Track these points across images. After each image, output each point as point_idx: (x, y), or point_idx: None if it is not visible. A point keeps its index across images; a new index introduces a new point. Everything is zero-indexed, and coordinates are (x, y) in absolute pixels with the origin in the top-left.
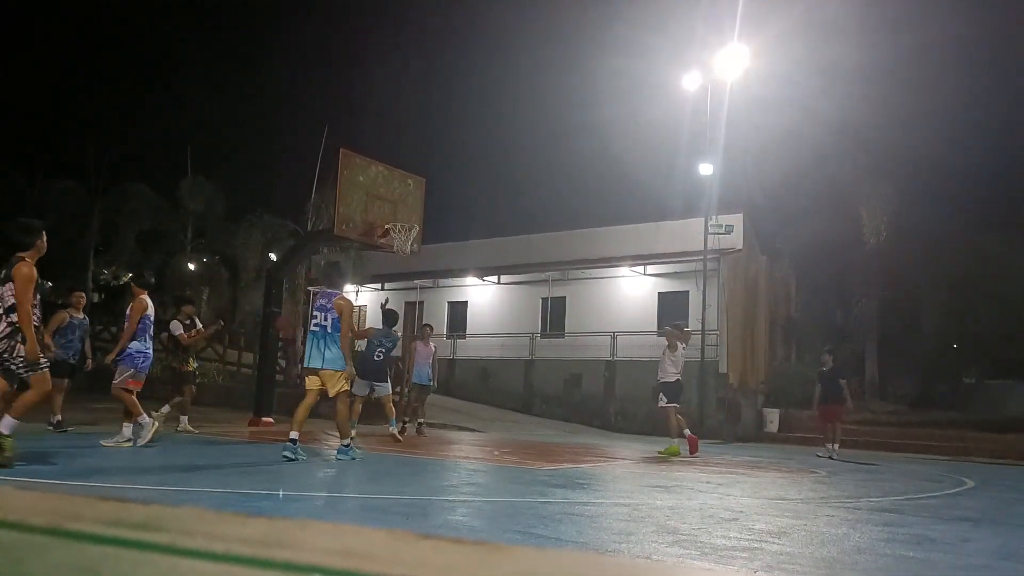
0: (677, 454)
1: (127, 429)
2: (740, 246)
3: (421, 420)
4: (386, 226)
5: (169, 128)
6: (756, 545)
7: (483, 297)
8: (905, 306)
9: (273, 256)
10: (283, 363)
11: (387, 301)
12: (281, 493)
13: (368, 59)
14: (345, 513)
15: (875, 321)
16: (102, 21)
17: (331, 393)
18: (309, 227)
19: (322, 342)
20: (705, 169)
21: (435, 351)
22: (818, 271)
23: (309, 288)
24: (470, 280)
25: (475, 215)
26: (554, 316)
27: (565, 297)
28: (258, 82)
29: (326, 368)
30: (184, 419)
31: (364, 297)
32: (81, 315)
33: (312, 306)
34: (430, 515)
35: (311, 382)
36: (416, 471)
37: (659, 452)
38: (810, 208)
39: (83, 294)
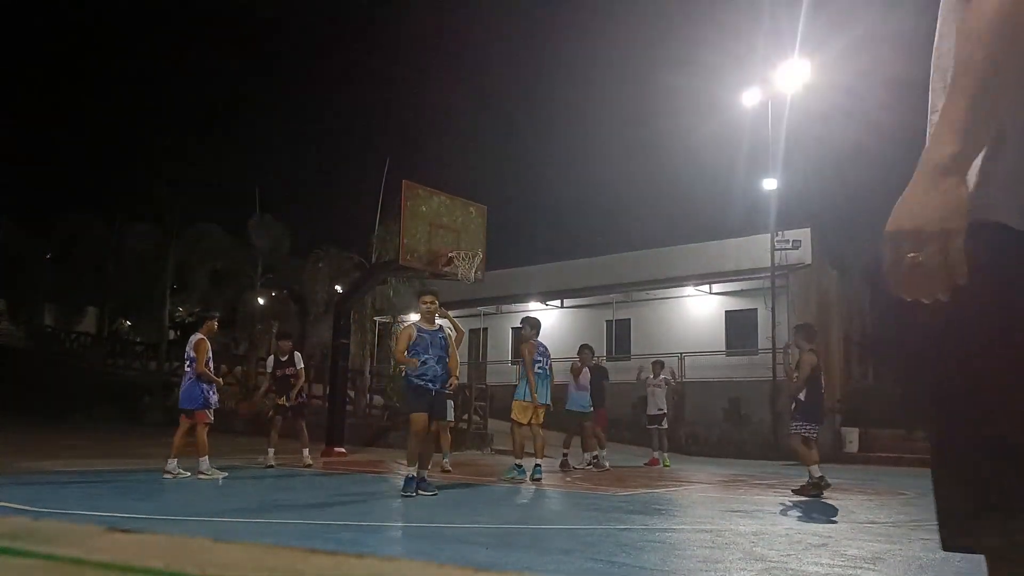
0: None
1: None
2: (809, 261)
3: (597, 453)
4: (450, 254)
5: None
6: (851, 572)
7: (547, 322)
8: None
9: (339, 288)
10: (351, 394)
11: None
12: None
13: (426, 90)
14: (422, 543)
15: None
16: (172, 70)
17: (537, 421)
18: (374, 259)
19: (547, 381)
20: (769, 184)
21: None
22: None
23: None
24: (533, 305)
25: (537, 240)
26: (619, 339)
27: (630, 319)
28: (321, 120)
29: (546, 403)
30: (270, 452)
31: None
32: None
33: (536, 353)
34: (510, 545)
35: (524, 415)
36: (489, 499)
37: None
38: (880, 221)
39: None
